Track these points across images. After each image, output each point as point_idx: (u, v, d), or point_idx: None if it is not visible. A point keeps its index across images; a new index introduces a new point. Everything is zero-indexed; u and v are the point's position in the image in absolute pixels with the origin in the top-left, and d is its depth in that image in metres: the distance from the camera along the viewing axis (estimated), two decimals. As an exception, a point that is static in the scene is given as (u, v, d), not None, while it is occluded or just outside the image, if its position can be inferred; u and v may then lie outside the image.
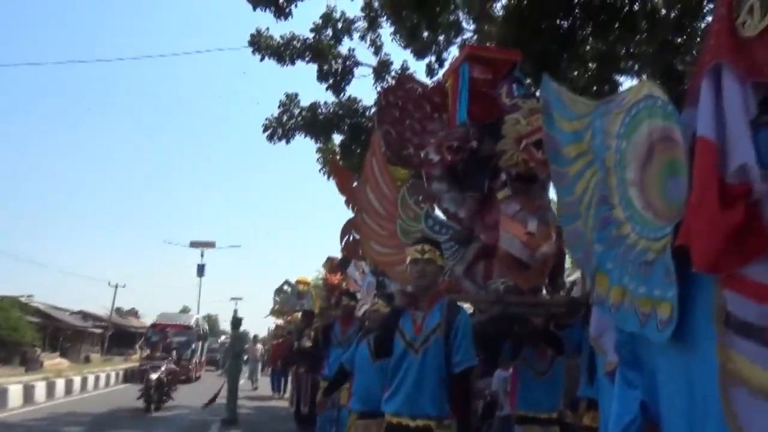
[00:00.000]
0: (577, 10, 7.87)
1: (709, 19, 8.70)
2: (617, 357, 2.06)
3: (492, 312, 3.84)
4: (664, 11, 8.59)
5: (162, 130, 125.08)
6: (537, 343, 4.12)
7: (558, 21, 8.11)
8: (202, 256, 37.81)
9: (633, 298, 1.87)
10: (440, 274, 3.31)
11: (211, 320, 59.60)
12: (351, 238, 5.74)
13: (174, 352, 15.63)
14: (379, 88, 13.39)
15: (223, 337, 38.72)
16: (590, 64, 9.22)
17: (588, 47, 9.06)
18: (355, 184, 5.84)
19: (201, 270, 37.36)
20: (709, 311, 1.62)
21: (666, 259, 1.72)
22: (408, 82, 5.02)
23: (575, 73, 9.50)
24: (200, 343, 24.66)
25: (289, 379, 13.91)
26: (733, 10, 1.66)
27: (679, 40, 8.66)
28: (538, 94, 4.13)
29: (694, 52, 8.50)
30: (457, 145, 4.03)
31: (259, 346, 21.51)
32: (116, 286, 39.89)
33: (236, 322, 12.14)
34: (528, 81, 4.54)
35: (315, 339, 9.43)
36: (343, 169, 7.31)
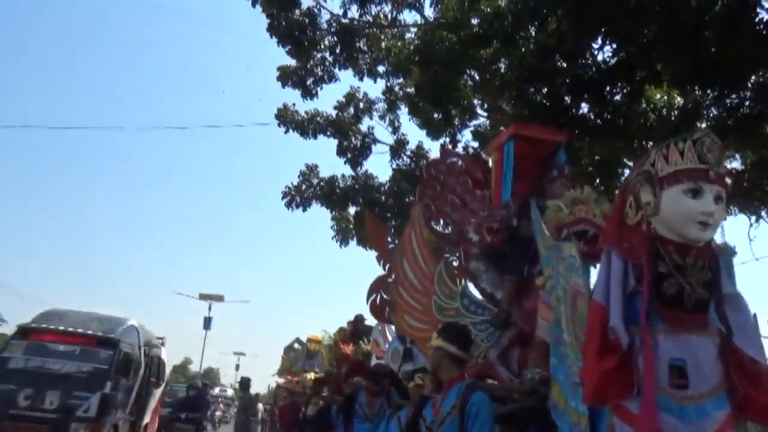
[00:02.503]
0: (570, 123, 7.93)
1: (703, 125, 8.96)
2: None
3: (525, 403, 3.63)
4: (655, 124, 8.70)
5: (184, 188, 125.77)
6: None
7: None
8: (209, 308, 37.19)
9: (568, 408, 2.33)
10: (435, 356, 3.22)
11: (213, 373, 57.92)
12: (378, 297, 5.29)
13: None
14: (394, 165, 13.53)
15: (229, 391, 38.54)
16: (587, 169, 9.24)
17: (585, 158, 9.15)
18: (389, 240, 5.55)
19: (208, 323, 36.66)
20: (606, 428, 2.09)
21: None
22: (451, 155, 4.88)
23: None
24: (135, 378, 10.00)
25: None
26: (625, 200, 2.15)
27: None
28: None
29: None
30: (497, 227, 3.93)
31: (260, 405, 19.25)
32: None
33: (245, 383, 11.61)
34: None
35: (324, 408, 9.00)
36: (380, 223, 6.75)
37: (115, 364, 8.93)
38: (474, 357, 3.77)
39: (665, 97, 8.39)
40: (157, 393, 11.82)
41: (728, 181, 2.07)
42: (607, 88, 7.22)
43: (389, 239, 5.68)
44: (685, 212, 1.99)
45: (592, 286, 2.34)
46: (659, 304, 1.99)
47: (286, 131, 13.55)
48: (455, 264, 4.46)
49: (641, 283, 2.02)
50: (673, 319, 1.99)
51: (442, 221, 4.94)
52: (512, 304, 3.80)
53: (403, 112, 13.50)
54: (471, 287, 4.20)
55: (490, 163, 4.51)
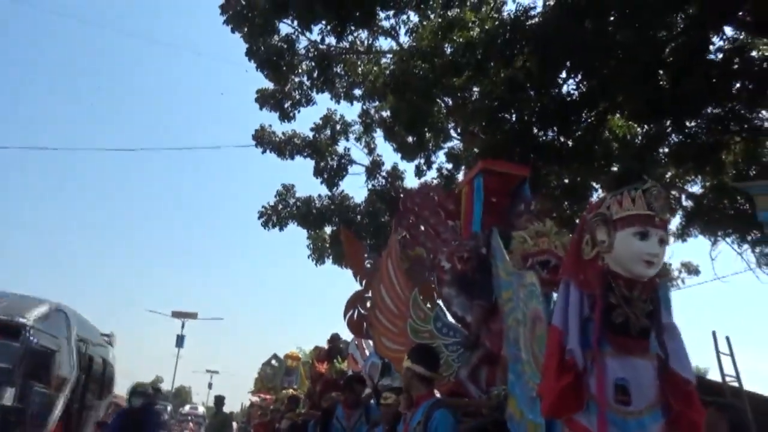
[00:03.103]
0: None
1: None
2: None
3: (492, 417, 3.87)
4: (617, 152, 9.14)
5: (158, 207, 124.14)
6: None
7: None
8: (182, 326, 36.68)
9: (525, 420, 2.56)
10: (406, 377, 3.53)
11: (185, 392, 56.89)
12: (355, 313, 5.43)
13: None
14: (370, 186, 13.80)
15: (200, 409, 36.25)
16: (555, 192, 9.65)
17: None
18: (365, 257, 5.69)
19: (180, 341, 36.09)
20: None
21: None
22: (426, 189, 5.20)
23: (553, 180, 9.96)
24: (63, 385, 6.98)
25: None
26: (582, 237, 2.41)
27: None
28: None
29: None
30: (467, 256, 4.20)
31: (234, 424, 20.11)
32: (90, 353, 38.22)
33: (219, 401, 11.37)
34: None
35: (300, 424, 9.08)
36: (356, 241, 6.84)
37: (22, 362, 6.03)
38: (443, 376, 4.03)
39: (626, 127, 8.84)
40: (101, 407, 9.03)
41: (669, 227, 2.38)
42: (572, 118, 7.61)
43: (365, 256, 5.84)
44: (634, 252, 2.28)
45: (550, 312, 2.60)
46: (608, 331, 2.27)
47: (263, 152, 13.75)
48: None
49: (594, 311, 2.30)
50: (620, 344, 2.27)
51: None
52: (480, 326, 4.05)
53: (379, 134, 13.80)
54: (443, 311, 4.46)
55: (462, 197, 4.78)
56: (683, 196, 11.19)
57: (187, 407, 37.39)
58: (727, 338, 8.78)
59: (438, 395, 3.68)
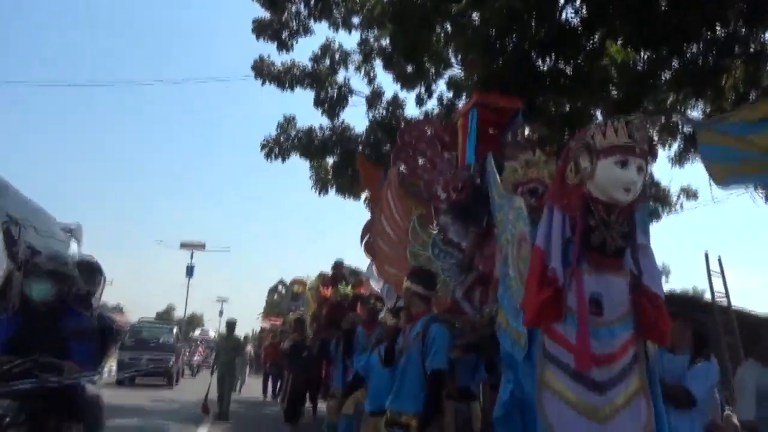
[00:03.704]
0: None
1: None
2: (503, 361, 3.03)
3: (485, 332, 4.19)
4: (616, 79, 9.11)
5: (162, 139, 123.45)
6: None
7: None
8: (191, 257, 37.51)
9: (510, 328, 2.81)
10: (407, 295, 3.95)
11: (196, 319, 58.65)
12: (372, 238, 5.68)
13: None
14: (370, 116, 13.79)
15: (211, 333, 35.83)
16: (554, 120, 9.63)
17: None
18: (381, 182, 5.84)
19: (190, 271, 37.10)
20: (540, 345, 2.54)
21: None
22: (423, 123, 5.38)
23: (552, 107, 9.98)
24: None
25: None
26: (567, 164, 2.61)
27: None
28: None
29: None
30: (461, 186, 4.42)
31: (249, 347, 19.85)
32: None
33: (230, 325, 11.84)
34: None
35: (323, 342, 9.53)
36: (372, 166, 7.01)
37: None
38: (440, 294, 4.36)
39: (625, 54, 8.79)
40: None
41: (649, 157, 2.56)
42: (571, 46, 7.60)
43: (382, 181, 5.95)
44: (614, 179, 2.47)
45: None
46: (586, 251, 2.50)
47: (263, 83, 13.63)
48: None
49: (574, 233, 2.52)
50: (597, 262, 2.51)
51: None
52: (474, 251, 4.34)
53: (379, 64, 13.65)
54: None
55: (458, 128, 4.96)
56: (682, 121, 11.22)
57: (197, 331, 38.33)
58: (719, 258, 9.13)
59: (433, 311, 4.00)
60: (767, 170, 4.32)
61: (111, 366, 17.95)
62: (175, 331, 20.38)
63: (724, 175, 4.67)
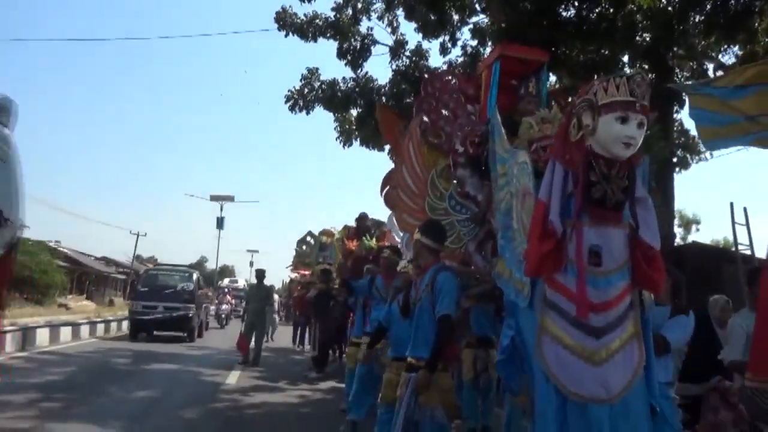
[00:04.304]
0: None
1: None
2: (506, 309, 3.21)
3: (494, 282, 4.36)
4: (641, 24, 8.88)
5: (190, 94, 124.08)
6: None
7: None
8: (221, 209, 38.30)
9: (513, 279, 2.96)
10: (416, 247, 4.09)
11: (228, 270, 60.17)
12: (392, 189, 5.62)
13: None
14: (394, 66, 13.71)
15: (241, 282, 35.41)
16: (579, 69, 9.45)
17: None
18: (401, 131, 5.75)
19: (220, 222, 38.03)
20: (541, 294, 2.69)
21: None
22: (447, 74, 5.34)
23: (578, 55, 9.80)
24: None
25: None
26: (570, 120, 2.70)
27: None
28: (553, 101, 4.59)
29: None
30: (479, 140, 4.50)
31: (276, 297, 19.41)
32: (137, 235, 40.34)
33: (260, 274, 12.23)
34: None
35: (323, 291, 9.83)
36: (392, 115, 6.86)
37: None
38: (448, 247, 4.50)
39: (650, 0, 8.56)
40: None
41: (649, 113, 2.63)
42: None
43: (401, 130, 5.95)
44: (614, 134, 2.57)
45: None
46: (587, 204, 2.62)
47: (286, 35, 13.62)
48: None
49: (576, 187, 2.64)
50: (597, 216, 2.63)
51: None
52: (489, 205, 4.44)
53: (401, 13, 13.48)
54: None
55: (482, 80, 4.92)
56: (712, 67, 10.94)
57: (226, 281, 37.34)
58: (744, 209, 9.09)
59: (446, 263, 4.15)
60: (750, 133, 4.46)
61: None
62: (195, 276, 17.56)
63: (711, 137, 4.90)
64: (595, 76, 9.98)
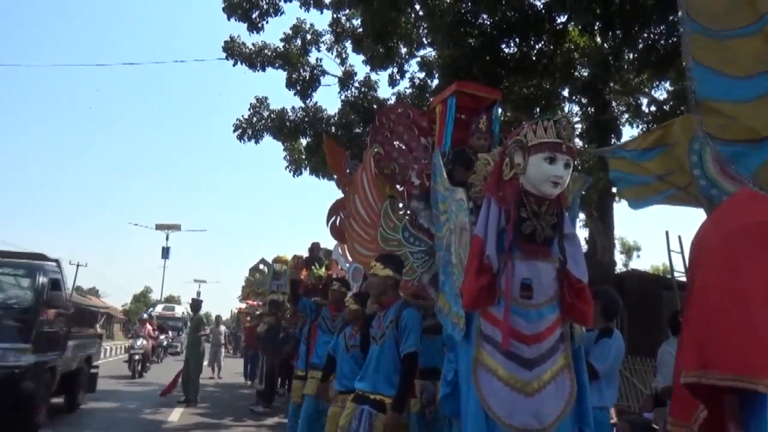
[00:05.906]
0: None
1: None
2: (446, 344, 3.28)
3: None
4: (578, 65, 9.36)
5: (135, 122, 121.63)
6: None
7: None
8: (167, 238, 37.38)
9: (451, 313, 3.05)
10: (384, 283, 4.02)
11: (174, 300, 58.38)
12: (338, 219, 5.74)
13: None
14: (343, 97, 13.91)
15: (178, 310, 30.95)
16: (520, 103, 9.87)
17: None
18: (346, 165, 5.91)
19: (166, 252, 37.05)
20: (477, 327, 2.80)
21: None
22: (401, 107, 5.41)
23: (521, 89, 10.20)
24: None
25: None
26: (503, 160, 2.85)
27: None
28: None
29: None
30: (434, 173, 4.59)
31: (223, 328, 17.72)
32: (77, 265, 38.79)
33: (196, 305, 11.72)
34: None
35: (275, 324, 9.68)
36: (338, 148, 7.01)
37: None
38: (407, 279, 4.51)
39: (585, 39, 9.04)
40: None
41: (575, 154, 2.81)
42: (534, 30, 7.81)
43: (346, 164, 5.96)
44: (543, 174, 2.73)
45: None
46: (519, 239, 2.76)
47: (234, 64, 13.68)
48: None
49: (508, 223, 2.78)
50: (527, 250, 2.77)
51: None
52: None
53: (350, 45, 13.74)
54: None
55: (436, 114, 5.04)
56: (645, 102, 11.55)
57: (159, 308, 30.45)
58: (679, 237, 9.55)
59: (402, 296, 4.17)
60: (660, 192, 4.80)
61: None
62: (42, 280, 7.14)
63: (632, 197, 5.22)
64: (537, 110, 10.50)
